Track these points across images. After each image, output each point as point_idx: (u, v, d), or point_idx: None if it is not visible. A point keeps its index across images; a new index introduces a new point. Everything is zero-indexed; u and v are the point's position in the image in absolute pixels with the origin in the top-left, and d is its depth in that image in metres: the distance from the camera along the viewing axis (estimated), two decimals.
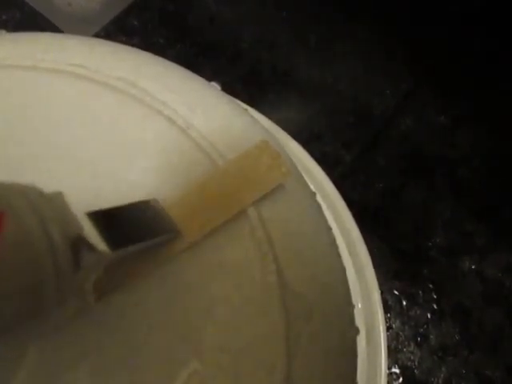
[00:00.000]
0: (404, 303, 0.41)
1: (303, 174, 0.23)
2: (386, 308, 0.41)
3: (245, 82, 0.49)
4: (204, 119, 0.20)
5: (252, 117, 0.23)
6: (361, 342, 0.30)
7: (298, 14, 0.53)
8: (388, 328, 0.40)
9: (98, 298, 0.15)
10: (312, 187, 0.24)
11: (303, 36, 0.51)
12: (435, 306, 0.41)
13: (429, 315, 0.41)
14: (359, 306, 0.31)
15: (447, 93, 0.50)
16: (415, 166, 0.47)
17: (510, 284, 0.42)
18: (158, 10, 0.51)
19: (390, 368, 0.39)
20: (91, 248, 0.13)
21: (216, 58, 0.50)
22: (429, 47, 0.51)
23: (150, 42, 0.50)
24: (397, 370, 0.39)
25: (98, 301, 0.15)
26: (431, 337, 0.40)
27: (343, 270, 0.21)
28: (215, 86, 0.46)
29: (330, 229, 0.22)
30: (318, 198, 0.23)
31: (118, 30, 0.50)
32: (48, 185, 0.13)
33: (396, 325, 0.40)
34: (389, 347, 0.34)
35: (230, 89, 0.37)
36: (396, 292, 0.42)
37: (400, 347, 0.40)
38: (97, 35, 0.49)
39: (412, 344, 0.40)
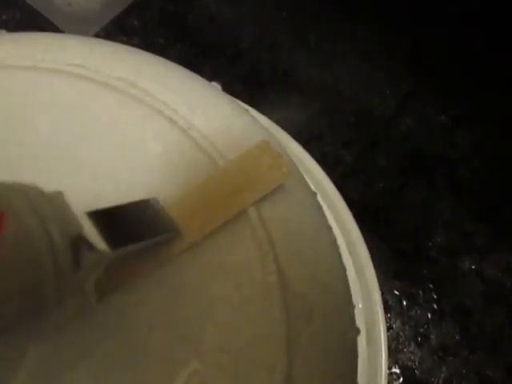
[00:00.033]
0: (404, 303, 0.41)
1: (303, 174, 0.23)
2: (387, 308, 0.41)
3: (245, 82, 0.49)
4: (204, 119, 0.20)
5: (252, 117, 0.23)
6: (361, 342, 0.30)
7: (298, 14, 0.53)
8: (388, 328, 0.40)
9: (99, 297, 0.15)
10: (312, 187, 0.24)
11: (303, 36, 0.51)
12: (435, 306, 0.41)
13: (429, 315, 0.41)
14: (359, 306, 0.31)
15: (447, 93, 0.50)
16: (415, 166, 0.47)
17: (510, 284, 0.42)
18: (158, 10, 0.51)
19: (390, 368, 0.39)
20: (91, 247, 0.13)
21: (216, 58, 0.50)
22: (429, 47, 0.51)
23: (150, 42, 0.50)
24: (397, 370, 0.39)
25: (99, 301, 0.15)
26: (431, 337, 0.40)
27: (343, 269, 0.21)
28: (216, 86, 0.46)
29: (330, 229, 0.22)
30: (319, 198, 0.23)
31: (118, 30, 0.50)
32: (48, 185, 0.13)
33: (396, 325, 0.40)
34: (389, 347, 0.34)
35: (230, 89, 0.37)
36: (396, 292, 0.42)
37: (400, 347, 0.40)
38: (97, 35, 0.49)
39: (412, 344, 0.40)
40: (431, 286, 0.42)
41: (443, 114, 0.49)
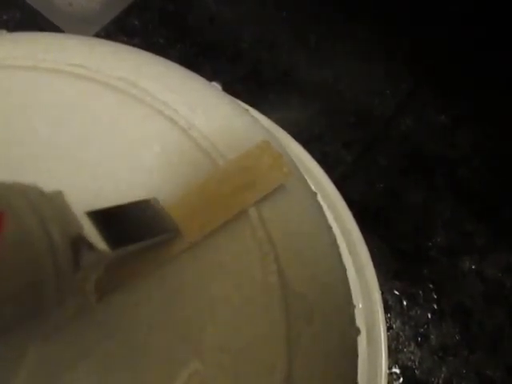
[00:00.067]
0: (404, 303, 0.41)
1: (304, 174, 0.23)
2: (387, 308, 0.41)
3: (245, 82, 0.49)
4: (205, 119, 0.20)
5: (253, 117, 0.23)
6: (361, 342, 0.30)
7: (298, 14, 0.53)
8: (388, 328, 0.40)
9: (99, 297, 0.15)
10: (313, 187, 0.24)
11: (303, 36, 0.51)
12: (435, 306, 0.41)
13: (429, 315, 0.41)
14: (360, 306, 0.31)
15: (447, 93, 0.50)
16: (415, 166, 0.47)
17: (510, 284, 0.42)
18: (158, 10, 0.51)
19: (390, 368, 0.39)
20: (91, 247, 0.13)
21: (216, 58, 0.50)
22: (429, 47, 0.51)
23: (151, 42, 0.50)
24: (397, 370, 0.39)
25: (99, 301, 0.15)
26: (431, 337, 0.40)
27: (344, 270, 0.21)
28: (216, 86, 0.46)
29: (330, 229, 0.22)
30: (319, 198, 0.23)
31: (119, 30, 0.50)
32: (48, 185, 0.13)
33: (396, 325, 0.40)
34: (389, 347, 0.34)
35: (230, 89, 0.37)
36: (396, 292, 0.41)
37: (400, 347, 0.40)
38: (97, 35, 0.49)
39: (412, 344, 0.40)
40: (431, 285, 0.42)
41: (443, 114, 0.49)
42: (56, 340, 0.16)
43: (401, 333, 0.40)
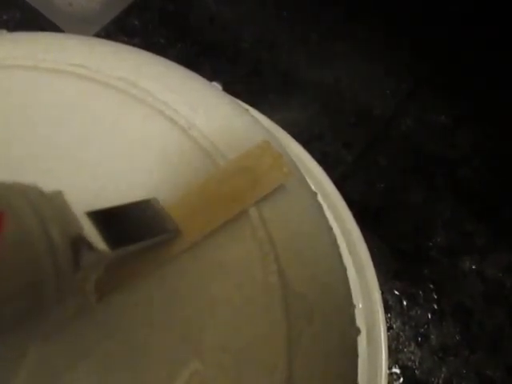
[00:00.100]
0: (404, 303, 0.41)
1: (304, 174, 0.23)
2: (387, 308, 0.41)
3: (245, 82, 0.49)
4: (205, 119, 0.20)
5: (253, 117, 0.23)
6: (361, 342, 0.30)
7: (298, 14, 0.53)
8: (388, 328, 0.40)
9: (99, 297, 0.15)
10: (313, 187, 0.24)
11: (303, 36, 0.51)
12: (436, 306, 0.41)
13: (429, 315, 0.41)
14: (360, 305, 0.31)
15: (447, 93, 0.50)
16: (415, 166, 0.47)
17: (511, 284, 0.42)
18: (159, 9, 0.51)
19: (390, 368, 0.39)
20: (91, 247, 0.13)
21: (216, 58, 0.50)
22: (429, 47, 0.51)
23: (151, 42, 0.50)
24: (397, 370, 0.39)
25: (99, 301, 0.15)
26: (432, 337, 0.40)
27: (344, 269, 0.21)
28: (216, 85, 0.46)
29: (330, 229, 0.22)
30: (319, 198, 0.23)
31: (119, 30, 0.50)
32: (48, 185, 0.13)
33: (396, 325, 0.40)
34: (389, 347, 0.34)
35: (230, 89, 0.37)
36: (396, 292, 0.41)
37: (400, 347, 0.40)
38: (97, 35, 0.49)
39: (412, 344, 0.40)
40: (431, 285, 0.42)
41: (443, 114, 0.49)
42: (56, 340, 0.16)
43: (401, 333, 0.40)
